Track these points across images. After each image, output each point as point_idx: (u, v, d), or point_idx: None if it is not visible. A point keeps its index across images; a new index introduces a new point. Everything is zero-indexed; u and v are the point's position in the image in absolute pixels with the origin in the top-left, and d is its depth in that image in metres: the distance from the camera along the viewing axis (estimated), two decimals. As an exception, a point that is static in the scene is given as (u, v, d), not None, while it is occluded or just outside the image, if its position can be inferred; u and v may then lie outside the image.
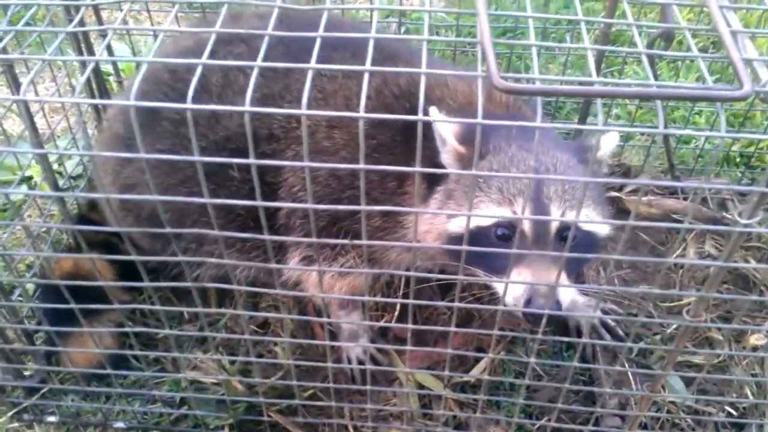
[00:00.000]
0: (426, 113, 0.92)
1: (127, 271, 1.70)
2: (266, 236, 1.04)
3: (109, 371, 1.57)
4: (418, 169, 0.94)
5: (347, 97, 1.53)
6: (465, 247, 1.07)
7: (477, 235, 1.32)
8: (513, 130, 1.43)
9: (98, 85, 2.07)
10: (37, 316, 1.81)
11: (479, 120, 0.88)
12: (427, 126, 1.32)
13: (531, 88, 0.86)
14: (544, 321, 1.21)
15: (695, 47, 0.96)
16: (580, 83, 1.60)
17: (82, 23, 1.06)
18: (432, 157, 1.38)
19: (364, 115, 0.87)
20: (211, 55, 0.93)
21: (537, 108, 0.87)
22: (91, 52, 1.79)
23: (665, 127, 0.90)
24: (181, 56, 1.57)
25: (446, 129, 1.35)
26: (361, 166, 0.93)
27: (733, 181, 2.23)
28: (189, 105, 0.89)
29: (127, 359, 1.77)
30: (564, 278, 1.28)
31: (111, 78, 2.27)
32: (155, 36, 2.29)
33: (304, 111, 0.88)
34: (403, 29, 2.43)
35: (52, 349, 1.64)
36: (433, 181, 1.44)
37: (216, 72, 1.55)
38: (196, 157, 0.94)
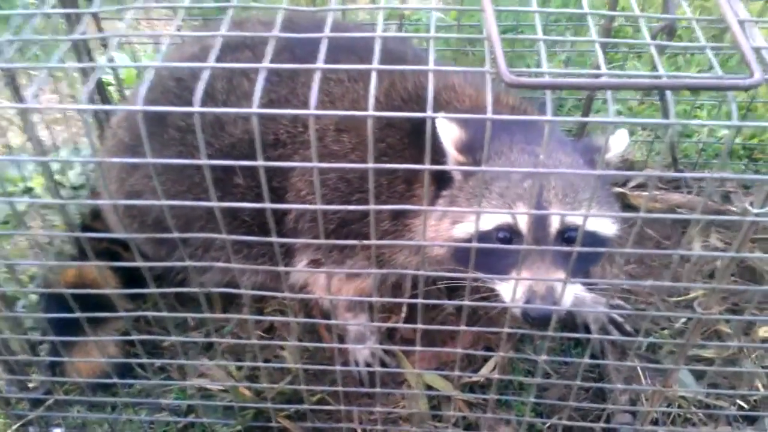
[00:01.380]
0: (434, 120, 0.92)
1: (130, 280, 1.68)
2: (274, 239, 1.04)
3: (114, 380, 1.56)
4: (427, 166, 0.94)
5: (354, 100, 1.53)
6: (473, 244, 1.09)
7: (479, 240, 1.32)
8: (516, 134, 1.43)
9: (100, 95, 2.07)
10: (41, 327, 1.79)
11: (489, 116, 0.88)
12: (436, 134, 1.33)
13: (541, 82, 0.85)
14: (553, 320, 1.20)
15: (703, 38, 0.95)
16: (587, 76, 1.58)
17: (84, 33, 1.05)
18: (440, 162, 1.39)
19: (373, 113, 0.87)
20: (218, 60, 0.93)
21: (546, 102, 0.87)
22: (89, 54, 1.79)
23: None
24: (189, 62, 1.56)
25: (447, 138, 1.35)
26: (370, 165, 0.93)
27: (736, 172, 2.22)
28: (196, 108, 0.88)
29: (132, 368, 1.76)
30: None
31: (112, 88, 2.27)
32: (157, 45, 2.29)
33: (312, 111, 0.88)
34: (402, 31, 2.43)
35: (57, 360, 1.63)
36: (439, 187, 1.44)
37: (220, 79, 1.55)
38: (203, 161, 0.93)
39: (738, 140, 2.28)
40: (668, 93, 0.86)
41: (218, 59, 0.93)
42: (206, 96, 0.85)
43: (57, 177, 1.96)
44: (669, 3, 1.27)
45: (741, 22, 0.92)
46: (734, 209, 2.05)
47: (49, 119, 2.26)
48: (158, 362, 1.73)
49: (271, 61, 0.91)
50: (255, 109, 0.87)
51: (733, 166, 2.27)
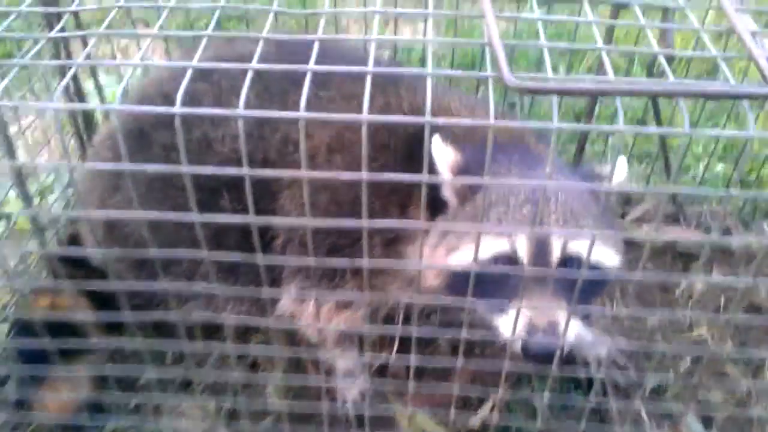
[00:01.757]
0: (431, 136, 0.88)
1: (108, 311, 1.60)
2: (259, 256, 0.96)
3: (83, 422, 1.44)
4: (424, 177, 0.88)
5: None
6: (470, 266, 1.02)
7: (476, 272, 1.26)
8: (514, 156, 1.39)
9: (85, 119, 2.02)
10: (10, 360, 1.68)
11: (491, 122, 0.83)
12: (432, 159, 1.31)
13: (546, 87, 0.81)
14: (556, 357, 1.13)
15: (713, 48, 0.92)
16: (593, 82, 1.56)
17: (63, 31, 1.01)
18: (436, 189, 1.36)
19: (368, 117, 0.82)
20: (207, 77, 0.89)
21: (553, 107, 0.82)
22: (75, 79, 1.74)
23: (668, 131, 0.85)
24: (177, 79, 1.52)
25: (442, 162, 1.32)
26: (364, 174, 0.87)
27: (734, 210, 2.19)
28: (177, 110, 0.83)
29: (103, 408, 1.64)
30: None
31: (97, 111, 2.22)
32: (145, 70, 2.26)
33: (302, 114, 0.82)
34: (396, 60, 2.44)
35: (23, 399, 1.51)
36: (433, 214, 1.39)
37: (208, 96, 1.50)
38: (184, 167, 0.86)
39: (735, 175, 2.25)
40: (681, 100, 0.82)
41: (208, 75, 0.89)
42: (193, 115, 0.81)
43: (36, 201, 1.89)
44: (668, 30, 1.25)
45: (753, 34, 0.90)
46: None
47: (30, 140, 2.19)
48: (133, 401, 1.61)
49: (263, 76, 0.88)
50: (241, 110, 0.82)
51: (731, 203, 2.23)
